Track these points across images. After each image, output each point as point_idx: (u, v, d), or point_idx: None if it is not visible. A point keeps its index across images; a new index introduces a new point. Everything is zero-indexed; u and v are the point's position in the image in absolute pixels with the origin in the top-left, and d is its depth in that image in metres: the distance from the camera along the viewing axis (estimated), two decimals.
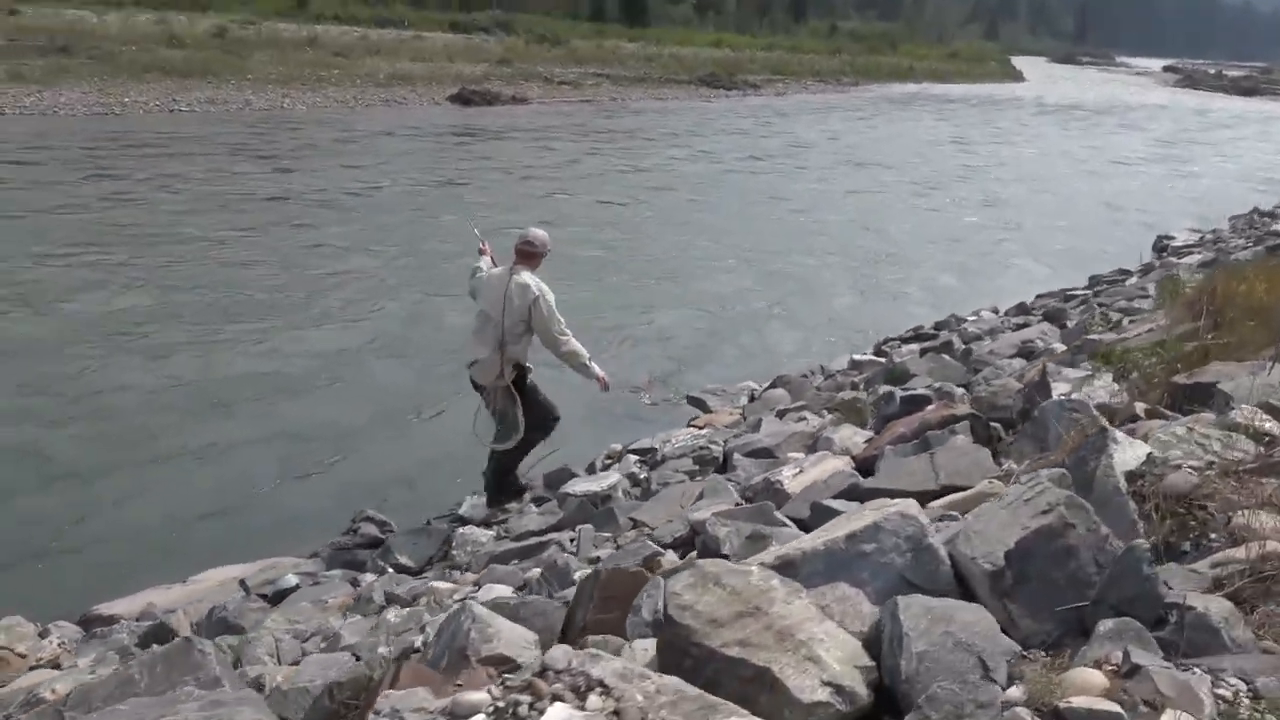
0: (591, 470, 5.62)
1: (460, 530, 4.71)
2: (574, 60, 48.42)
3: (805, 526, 2.99)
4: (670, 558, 2.90)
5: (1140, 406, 3.36)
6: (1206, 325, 4.13)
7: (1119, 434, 2.41)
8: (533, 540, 4.20)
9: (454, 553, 4.49)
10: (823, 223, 17.50)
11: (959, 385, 5.29)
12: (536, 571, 3.41)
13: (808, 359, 9.08)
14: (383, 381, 8.81)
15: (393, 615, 3.09)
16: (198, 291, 11.08)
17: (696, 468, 4.91)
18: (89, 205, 15.13)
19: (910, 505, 2.01)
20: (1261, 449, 2.49)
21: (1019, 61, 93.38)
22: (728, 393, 7.13)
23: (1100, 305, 7.38)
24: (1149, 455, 2.37)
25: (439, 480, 6.67)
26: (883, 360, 7.31)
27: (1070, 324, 6.77)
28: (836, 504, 2.99)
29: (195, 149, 21.21)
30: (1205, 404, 3.15)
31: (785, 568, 1.94)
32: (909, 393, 4.55)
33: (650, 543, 3.04)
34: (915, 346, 7.74)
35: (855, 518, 2.08)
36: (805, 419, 5.25)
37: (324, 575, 4.64)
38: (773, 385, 7.02)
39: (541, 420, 5.54)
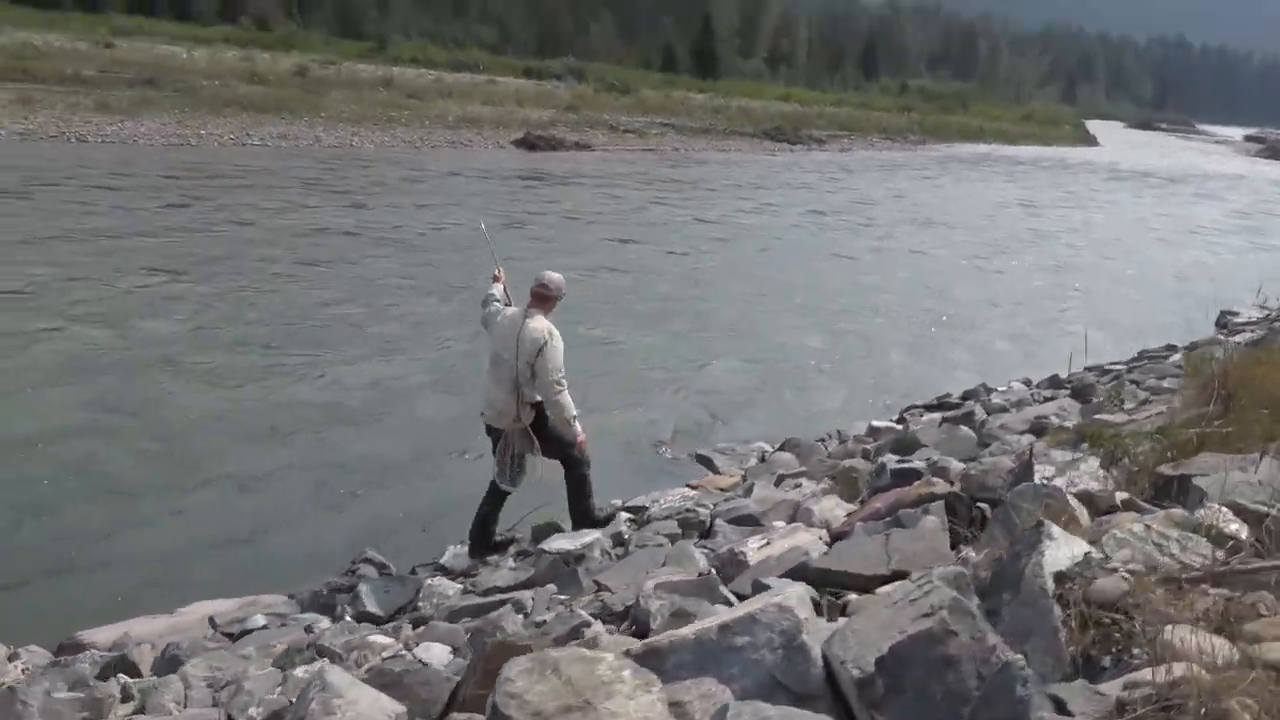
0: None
1: (429, 581, 4.62)
2: (641, 109, 49.03)
3: None
4: (597, 629, 2.76)
5: (1121, 497, 3.15)
6: (1215, 411, 3.89)
7: (1056, 529, 2.23)
8: (496, 597, 4.09)
9: (420, 604, 4.39)
10: (886, 280, 17.31)
11: (964, 460, 5.07)
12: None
13: (842, 420, 8.89)
14: (433, 417, 8.82)
15: (301, 671, 2.99)
16: (268, 319, 11.39)
17: (679, 531, 4.75)
18: (167, 231, 15.68)
19: (793, 596, 1.86)
20: (1215, 555, 2.28)
21: (1095, 125, 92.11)
22: (737, 453, 6.97)
23: (1132, 382, 7.06)
24: (1086, 555, 2.18)
25: (461, 522, 6.53)
26: (900, 428, 7.08)
27: (1095, 400, 6.48)
28: (776, 583, 2.84)
29: (269, 181, 21.86)
30: (1184, 499, 2.93)
31: (649, 657, 1.80)
32: (901, 465, 4.35)
33: (581, 612, 2.90)
34: (937, 415, 7.49)
35: (740, 606, 1.94)
36: (801, 486, 5.07)
37: (294, 618, 4.57)
38: (781, 448, 6.84)
39: (563, 449, 5.47)
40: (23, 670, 4.33)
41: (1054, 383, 8.28)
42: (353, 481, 7.41)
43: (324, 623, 4.29)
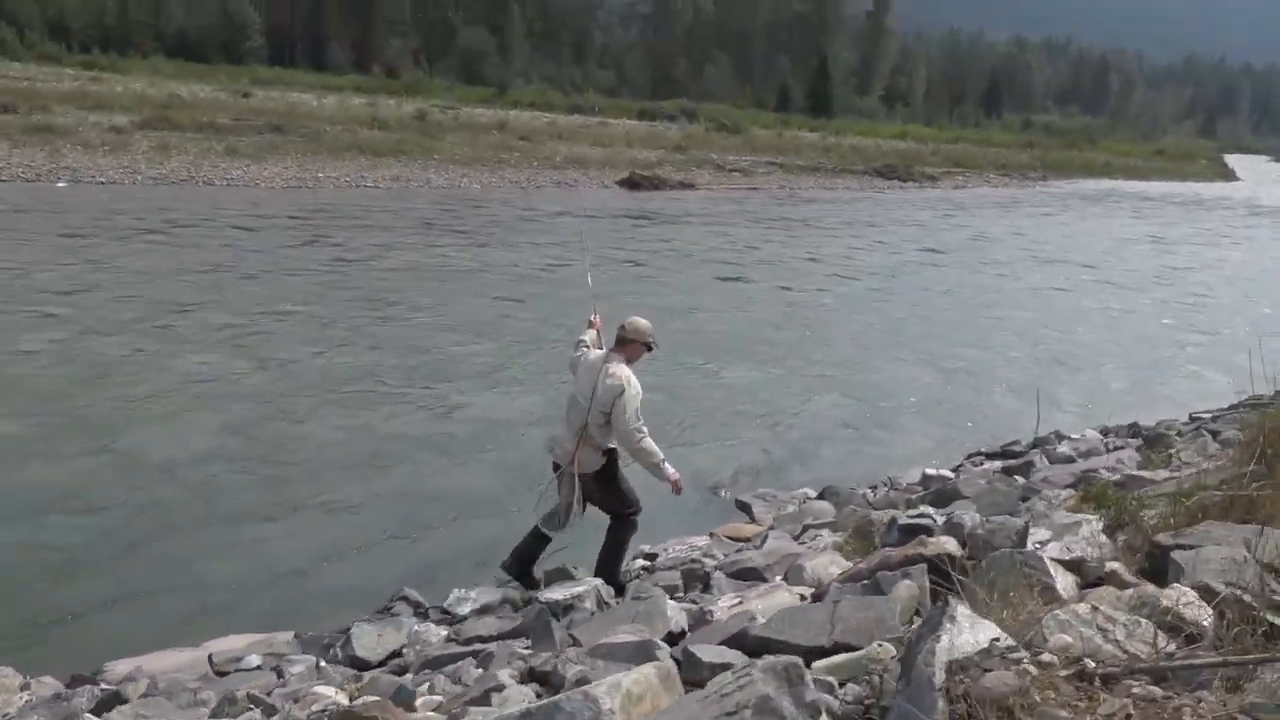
0: None
1: (416, 627, 4.51)
2: (750, 149, 48.98)
3: None
4: (509, 693, 2.59)
5: (1110, 567, 2.79)
6: (1256, 472, 3.46)
7: (961, 611, 1.95)
8: (475, 646, 3.95)
9: (405, 650, 4.29)
10: (1003, 318, 16.75)
11: (1004, 514, 4.69)
12: (429, 684, 3.17)
13: (924, 462, 8.48)
14: (535, 454, 8.78)
15: None
16: (394, 352, 11.75)
17: (679, 583, 4.53)
18: (298, 269, 16.40)
19: (603, 685, 1.66)
20: (1162, 645, 1.95)
21: (1235, 160, 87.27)
22: (779, 499, 6.66)
23: (1211, 433, 6.43)
24: (992, 642, 1.90)
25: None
26: (951, 477, 6.65)
27: (1159, 452, 5.93)
28: (705, 651, 2.61)
29: (384, 221, 22.66)
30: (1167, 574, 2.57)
31: None
32: (911, 521, 4.03)
33: (500, 674, 2.73)
34: (998, 464, 7.02)
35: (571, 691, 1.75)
36: (821, 537, 4.77)
37: (291, 658, 4.54)
38: (821, 496, 6.50)
39: (619, 505, 5.39)
40: (27, 701, 4.41)
41: (1134, 431, 7.66)
42: (435, 514, 7.40)
43: (298, 667, 4.22)
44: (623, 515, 5.40)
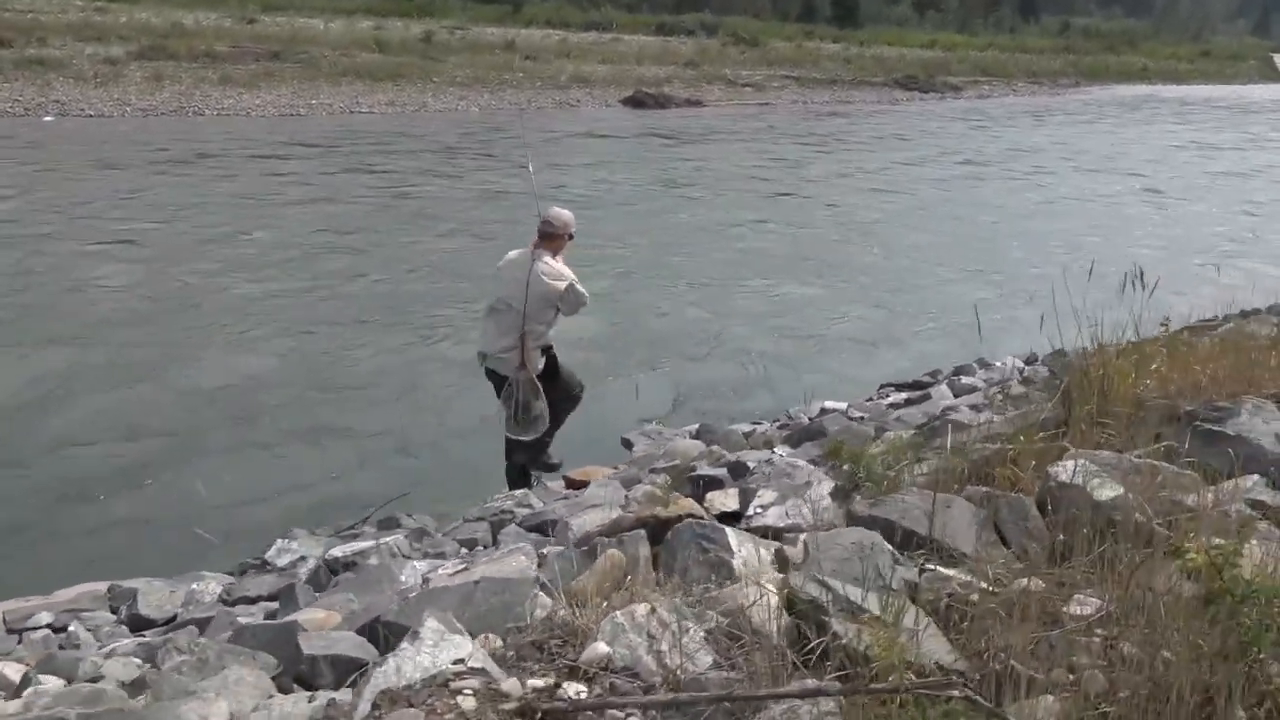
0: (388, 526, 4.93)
1: (193, 586, 4.23)
2: (765, 62, 47.41)
3: None
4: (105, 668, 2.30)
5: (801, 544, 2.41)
6: (1047, 420, 3.02)
7: (430, 625, 1.59)
8: (239, 609, 3.69)
9: (183, 610, 4.03)
10: (1052, 229, 16.32)
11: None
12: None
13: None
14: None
15: None
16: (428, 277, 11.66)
17: (489, 535, 4.20)
18: (266, 200, 16.02)
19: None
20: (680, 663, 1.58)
21: None
22: (663, 436, 6.28)
23: None
24: (449, 666, 1.53)
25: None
26: (840, 411, 6.20)
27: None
28: (314, 641, 2.28)
29: (407, 147, 22.16)
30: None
31: None
32: (705, 473, 3.64)
33: (96, 658, 2.44)
34: (902, 397, 6.55)
35: None
36: (646, 486, 4.41)
37: (87, 615, 4.30)
38: (696, 435, 6.09)
39: (567, 394, 5.54)
40: None
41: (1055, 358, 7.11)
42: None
43: (76, 627, 3.98)
44: (572, 397, 5.56)
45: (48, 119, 24.31)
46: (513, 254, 5.34)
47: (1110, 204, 19.25)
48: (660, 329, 10.06)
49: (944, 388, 6.35)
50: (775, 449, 4.83)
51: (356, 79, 32.69)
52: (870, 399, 6.82)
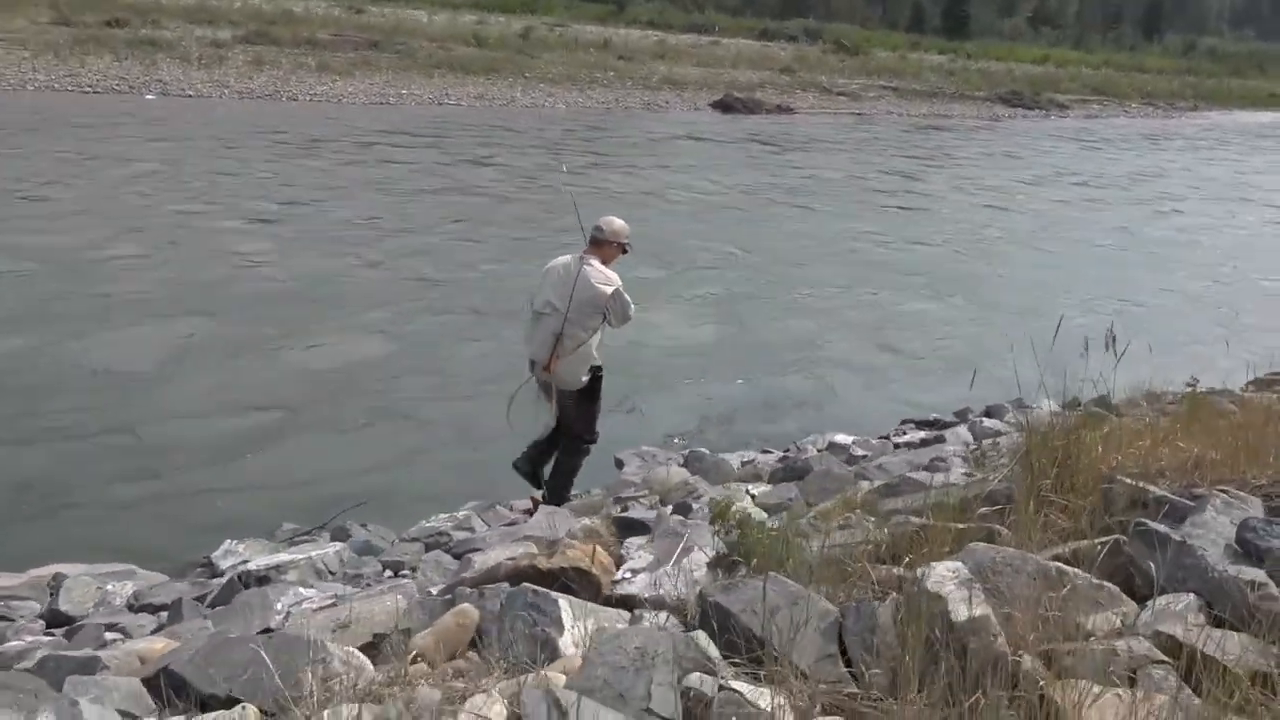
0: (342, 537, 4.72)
1: (108, 586, 4.09)
2: (864, 71, 46.39)
3: None
4: None
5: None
6: (994, 493, 2.62)
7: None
8: (141, 614, 3.53)
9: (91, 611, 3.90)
10: (1185, 256, 15.91)
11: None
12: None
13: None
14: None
15: None
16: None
17: (402, 560, 3.94)
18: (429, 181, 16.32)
19: None
20: None
21: None
22: (658, 459, 5.95)
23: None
24: None
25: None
26: (847, 445, 5.76)
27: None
28: (83, 686, 2.06)
29: (511, 141, 22.32)
30: None
31: None
32: (636, 516, 3.32)
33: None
34: (918, 435, 6.08)
35: None
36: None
37: (15, 603, 4.21)
38: (685, 462, 5.72)
39: (586, 432, 5.28)
40: None
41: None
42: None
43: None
44: (583, 440, 5.28)
45: (149, 97, 25.18)
46: (561, 258, 5.17)
47: (1246, 235, 18.44)
48: (758, 338, 9.94)
49: (963, 430, 5.86)
50: (749, 487, 4.47)
51: (450, 71, 33.09)
52: (886, 435, 6.37)
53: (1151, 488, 2.60)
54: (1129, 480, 2.67)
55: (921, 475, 3.59)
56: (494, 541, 3.76)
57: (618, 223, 5.15)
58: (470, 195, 16.26)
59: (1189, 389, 6.07)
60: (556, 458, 5.29)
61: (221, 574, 4.40)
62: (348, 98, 28.00)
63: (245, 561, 4.42)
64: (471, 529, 4.35)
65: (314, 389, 7.70)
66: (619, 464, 5.90)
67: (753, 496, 4.47)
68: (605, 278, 4.98)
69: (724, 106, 33.50)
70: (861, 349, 9.90)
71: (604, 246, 5.09)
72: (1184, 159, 31.03)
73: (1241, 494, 2.50)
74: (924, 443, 5.65)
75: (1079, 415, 4.35)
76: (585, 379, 5.06)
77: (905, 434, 6.31)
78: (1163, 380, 7.69)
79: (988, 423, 6.12)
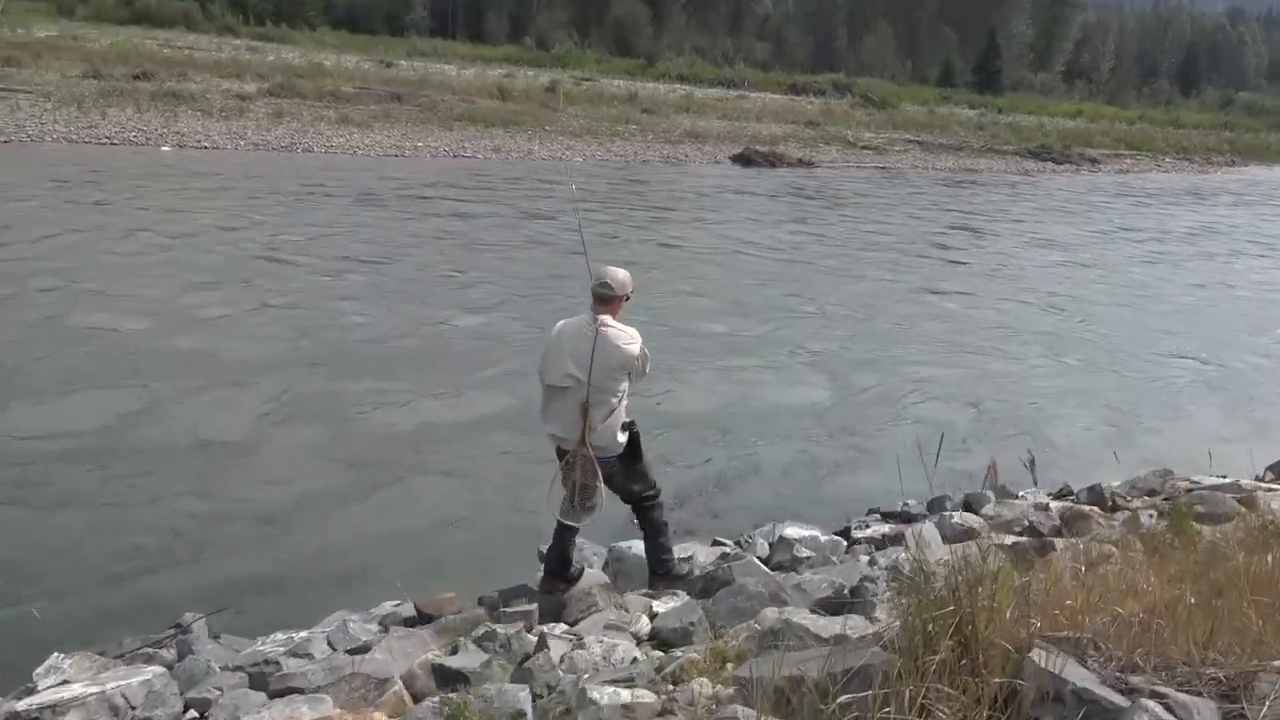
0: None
1: None
2: (892, 125, 46.04)
3: None
4: None
5: None
6: (877, 666, 1.95)
7: None
8: None
9: None
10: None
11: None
12: None
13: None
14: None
15: None
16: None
17: (212, 696, 3.29)
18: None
19: None
20: None
21: None
22: (582, 554, 5.22)
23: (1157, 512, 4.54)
24: None
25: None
26: (798, 540, 5.04)
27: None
28: None
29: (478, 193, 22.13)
30: None
31: None
32: (461, 665, 2.66)
33: None
34: (881, 530, 5.33)
35: None
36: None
37: None
38: (607, 562, 4.98)
39: (645, 489, 4.87)
40: None
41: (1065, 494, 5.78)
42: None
43: None
44: (646, 498, 4.85)
45: (165, 149, 25.26)
46: (566, 324, 4.72)
47: None
48: (815, 397, 9.69)
49: (928, 527, 5.10)
50: (655, 604, 3.81)
51: (470, 124, 33.12)
52: (846, 528, 5.63)
53: (1071, 679, 1.91)
54: (1043, 658, 1.98)
55: (821, 623, 2.87)
56: (314, 680, 3.11)
57: (621, 274, 4.74)
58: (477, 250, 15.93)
59: (1182, 491, 5.31)
60: (641, 528, 4.93)
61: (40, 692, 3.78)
62: (363, 150, 27.95)
63: (64, 682, 3.81)
64: (309, 654, 3.70)
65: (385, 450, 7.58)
66: (540, 557, 5.24)
67: (653, 617, 3.81)
68: (628, 336, 4.58)
69: (745, 160, 33.14)
70: (947, 409, 9.56)
71: (612, 303, 4.65)
72: (1238, 215, 30.55)
73: (1189, 694, 1.81)
74: (885, 540, 4.94)
75: (1009, 551, 3.68)
76: (623, 440, 4.67)
77: (868, 527, 5.58)
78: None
79: (959, 518, 5.37)
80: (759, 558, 5.14)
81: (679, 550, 5.19)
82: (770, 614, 3.44)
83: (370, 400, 8.59)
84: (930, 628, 2.10)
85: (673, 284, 14.32)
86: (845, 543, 5.32)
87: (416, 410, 8.46)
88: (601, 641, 3.36)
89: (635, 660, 3.21)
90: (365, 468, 7.19)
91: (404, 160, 27.35)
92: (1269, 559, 2.87)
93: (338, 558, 5.79)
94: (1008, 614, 2.10)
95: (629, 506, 4.93)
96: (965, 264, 18.43)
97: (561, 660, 3.25)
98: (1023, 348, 12.42)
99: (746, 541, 5.45)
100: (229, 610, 4.99)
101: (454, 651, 3.39)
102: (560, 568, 4.75)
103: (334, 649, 3.72)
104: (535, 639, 3.46)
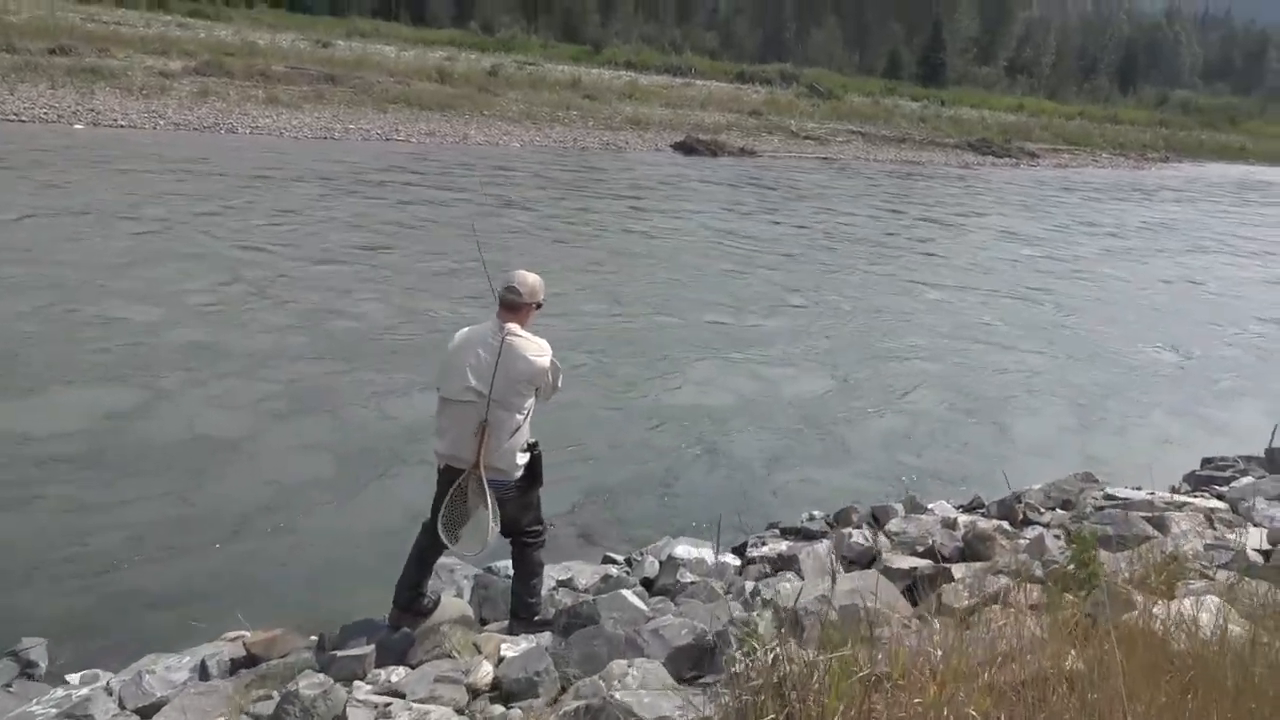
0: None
1: None
2: (836, 115, 45.99)
3: None
4: None
5: None
6: None
7: None
8: None
9: None
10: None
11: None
12: None
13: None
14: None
15: None
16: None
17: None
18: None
19: None
20: None
21: None
22: (454, 577, 4.78)
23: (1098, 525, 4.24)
24: None
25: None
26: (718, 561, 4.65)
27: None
28: None
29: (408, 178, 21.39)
30: None
31: None
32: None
33: None
34: (778, 548, 4.94)
35: None
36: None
37: None
38: (474, 590, 4.49)
39: (533, 525, 4.37)
40: None
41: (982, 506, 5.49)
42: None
43: None
44: (531, 533, 4.36)
45: (78, 127, 24.13)
46: (468, 331, 4.22)
47: None
48: (802, 389, 9.48)
49: (821, 549, 4.72)
50: (505, 645, 3.38)
51: (406, 107, 32.26)
52: (743, 545, 5.24)
53: None
54: None
55: (647, 701, 2.45)
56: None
57: (532, 279, 4.24)
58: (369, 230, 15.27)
59: (1092, 510, 4.99)
60: (514, 565, 4.43)
61: None
62: (291, 131, 27.01)
63: None
64: (89, 716, 3.20)
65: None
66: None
67: (499, 661, 3.38)
68: (537, 348, 4.11)
69: (686, 148, 32.78)
70: (927, 401, 9.47)
71: (520, 310, 4.18)
72: (1186, 211, 31.12)
73: None
74: (780, 560, 4.56)
75: (905, 578, 3.32)
76: (522, 462, 4.17)
77: (764, 544, 5.19)
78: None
79: (858, 535, 5.01)
80: (646, 578, 4.74)
81: (560, 571, 4.76)
82: (617, 668, 3.03)
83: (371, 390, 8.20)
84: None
85: (666, 274, 14.22)
86: (739, 562, 4.93)
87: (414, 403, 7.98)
88: (411, 709, 2.91)
89: None
90: (357, 460, 6.87)
91: (334, 143, 26.48)
92: (1164, 613, 2.53)
93: (250, 567, 5.27)
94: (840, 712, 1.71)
95: (507, 539, 4.39)
96: (942, 257, 18.39)
97: None
98: (1004, 340, 12.37)
99: (636, 559, 5.03)
100: (80, 634, 4.46)
101: (252, 718, 2.91)
102: (411, 601, 4.25)
103: (123, 706, 3.24)
104: (345, 699, 3.00)
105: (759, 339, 11.25)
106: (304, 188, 18.83)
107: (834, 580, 3.79)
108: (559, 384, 4.23)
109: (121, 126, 24.76)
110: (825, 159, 35.82)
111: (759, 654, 1.87)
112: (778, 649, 2.00)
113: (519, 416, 4.06)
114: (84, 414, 7.31)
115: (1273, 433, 7.62)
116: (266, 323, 10.23)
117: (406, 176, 21.64)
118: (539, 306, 4.27)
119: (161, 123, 25.67)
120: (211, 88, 30.11)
